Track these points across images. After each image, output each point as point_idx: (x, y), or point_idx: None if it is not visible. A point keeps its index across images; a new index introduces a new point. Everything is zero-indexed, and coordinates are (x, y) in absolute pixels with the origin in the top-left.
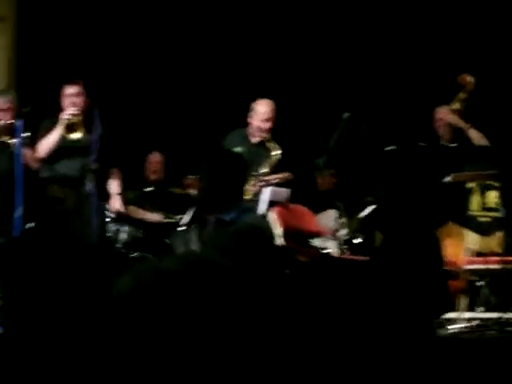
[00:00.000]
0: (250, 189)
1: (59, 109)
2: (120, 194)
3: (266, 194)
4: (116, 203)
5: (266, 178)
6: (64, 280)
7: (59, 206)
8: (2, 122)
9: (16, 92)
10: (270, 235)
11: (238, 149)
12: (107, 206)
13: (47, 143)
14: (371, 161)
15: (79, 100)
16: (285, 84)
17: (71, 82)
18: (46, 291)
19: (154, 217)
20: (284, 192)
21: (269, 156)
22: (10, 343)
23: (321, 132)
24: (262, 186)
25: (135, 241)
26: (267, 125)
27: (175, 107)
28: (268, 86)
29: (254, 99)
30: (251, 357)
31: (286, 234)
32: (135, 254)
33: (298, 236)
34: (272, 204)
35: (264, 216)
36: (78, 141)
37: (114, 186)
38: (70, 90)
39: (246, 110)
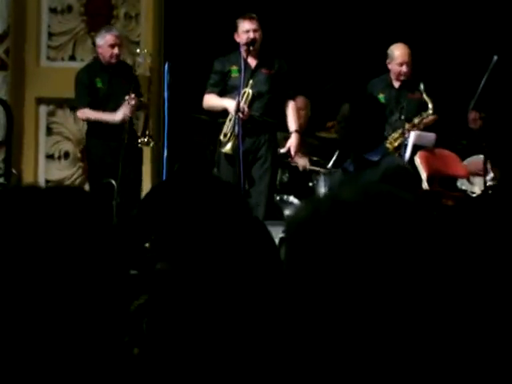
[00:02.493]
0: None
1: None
2: (298, 131)
3: (411, 139)
4: (290, 143)
5: (415, 122)
6: (211, 222)
7: (206, 150)
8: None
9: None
10: (414, 176)
11: (380, 94)
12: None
13: (210, 106)
14: None
15: (256, 35)
16: (433, 29)
17: (247, 16)
18: (194, 234)
19: (301, 161)
20: (429, 136)
21: (414, 99)
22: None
23: (470, 75)
24: (409, 131)
25: (280, 184)
26: (403, 68)
27: (320, 50)
28: (410, 31)
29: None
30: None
31: (431, 178)
32: (277, 198)
33: (444, 180)
34: (417, 148)
35: (410, 160)
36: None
37: (291, 121)
38: (247, 26)
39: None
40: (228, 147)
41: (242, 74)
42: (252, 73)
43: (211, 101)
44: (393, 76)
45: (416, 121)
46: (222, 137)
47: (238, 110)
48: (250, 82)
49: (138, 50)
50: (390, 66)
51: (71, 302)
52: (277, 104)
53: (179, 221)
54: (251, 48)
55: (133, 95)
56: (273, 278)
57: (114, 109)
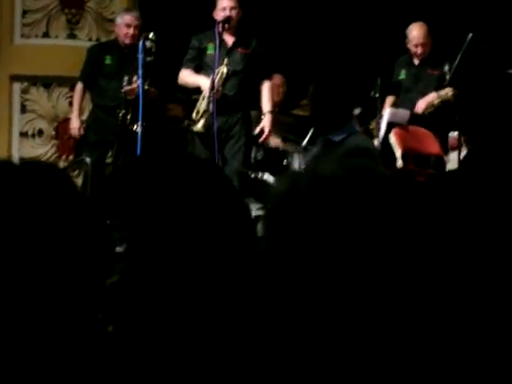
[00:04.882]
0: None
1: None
2: (271, 112)
3: (386, 116)
4: (263, 124)
5: (434, 103)
6: (185, 200)
7: (179, 125)
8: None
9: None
10: (377, 156)
11: (403, 71)
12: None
13: (185, 82)
14: (493, 82)
15: (233, 13)
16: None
17: None
18: (167, 212)
19: (273, 142)
20: (404, 114)
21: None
22: (131, 264)
23: (445, 52)
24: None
25: (254, 161)
26: (418, 50)
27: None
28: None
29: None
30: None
31: (406, 155)
32: (252, 176)
33: (418, 158)
34: (391, 126)
35: (384, 137)
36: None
37: (266, 102)
38: (224, 3)
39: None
40: (199, 126)
41: (217, 52)
42: (228, 51)
43: (186, 77)
44: (412, 54)
45: (436, 102)
46: (194, 114)
47: (212, 88)
48: (225, 60)
49: (150, 35)
50: (408, 46)
51: (46, 277)
52: (251, 83)
53: (150, 194)
54: (226, 26)
55: (135, 78)
56: (249, 254)
57: (116, 87)
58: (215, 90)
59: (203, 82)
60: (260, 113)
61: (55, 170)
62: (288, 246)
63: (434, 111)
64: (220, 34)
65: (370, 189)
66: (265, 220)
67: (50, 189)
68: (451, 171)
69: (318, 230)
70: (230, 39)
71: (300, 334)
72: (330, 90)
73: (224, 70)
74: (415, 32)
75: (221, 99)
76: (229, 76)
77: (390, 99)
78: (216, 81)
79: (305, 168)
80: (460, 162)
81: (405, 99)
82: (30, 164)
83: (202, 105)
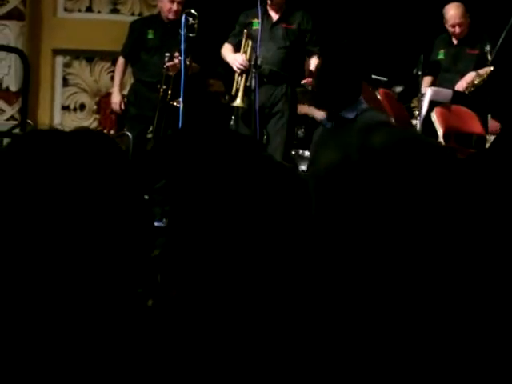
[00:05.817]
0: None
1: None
2: None
3: (428, 95)
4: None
5: (475, 82)
6: (226, 174)
7: (220, 101)
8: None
9: None
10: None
11: (441, 50)
12: None
13: (223, 57)
14: None
15: None
16: None
17: None
18: (209, 186)
19: (317, 114)
20: (446, 93)
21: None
22: (173, 239)
23: (490, 30)
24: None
25: (296, 139)
26: (456, 30)
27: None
28: None
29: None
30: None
31: (447, 134)
32: (293, 153)
33: (460, 137)
34: (434, 104)
35: (426, 116)
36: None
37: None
38: None
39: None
40: (239, 100)
41: (260, 27)
42: (272, 26)
43: (224, 51)
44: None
45: (476, 81)
46: (233, 90)
47: (255, 65)
48: (266, 35)
49: (193, 11)
50: (445, 26)
51: (92, 246)
52: (295, 59)
53: (191, 169)
54: (269, 2)
55: (176, 54)
56: (295, 228)
57: (158, 62)
58: (243, 66)
59: (230, 58)
60: (304, 88)
61: (106, 137)
62: (340, 220)
63: (475, 91)
64: (264, 8)
65: (422, 159)
66: (315, 193)
67: (103, 156)
68: (482, 151)
69: (370, 202)
70: (275, 15)
71: (353, 307)
72: (336, 67)
73: (249, 45)
74: (451, 12)
75: (262, 75)
76: (272, 52)
77: (428, 79)
78: (241, 56)
79: (314, 146)
80: (492, 141)
81: (443, 79)
82: (80, 131)
83: (238, 81)
